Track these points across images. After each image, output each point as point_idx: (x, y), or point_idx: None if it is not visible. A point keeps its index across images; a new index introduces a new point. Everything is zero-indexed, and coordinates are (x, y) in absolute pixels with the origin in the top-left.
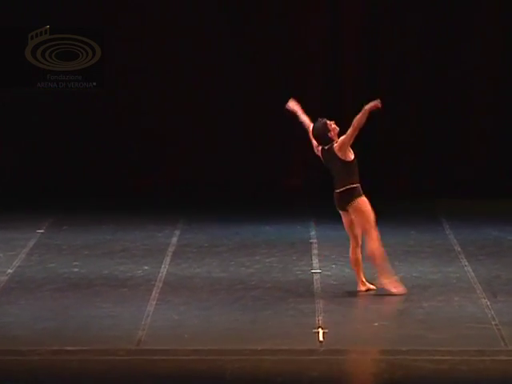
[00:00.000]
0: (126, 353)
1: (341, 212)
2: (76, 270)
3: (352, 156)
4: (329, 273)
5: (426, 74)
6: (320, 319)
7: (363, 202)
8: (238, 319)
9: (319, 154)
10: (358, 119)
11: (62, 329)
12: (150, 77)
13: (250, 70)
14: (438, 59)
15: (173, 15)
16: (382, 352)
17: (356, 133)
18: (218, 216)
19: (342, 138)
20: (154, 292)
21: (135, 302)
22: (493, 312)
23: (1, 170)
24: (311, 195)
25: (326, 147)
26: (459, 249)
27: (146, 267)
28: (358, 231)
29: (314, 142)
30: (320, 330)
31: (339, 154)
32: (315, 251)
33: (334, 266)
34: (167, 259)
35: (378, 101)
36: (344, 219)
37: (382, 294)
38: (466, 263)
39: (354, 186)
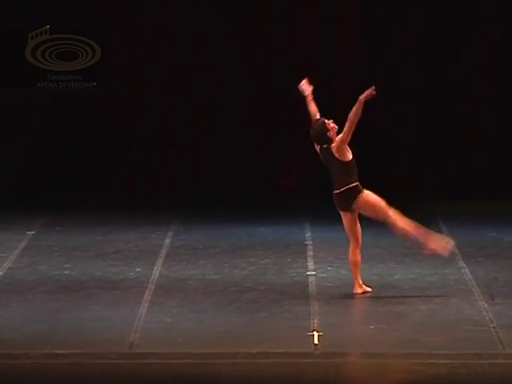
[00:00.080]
0: (118, 356)
1: (341, 212)
2: (67, 272)
3: (350, 156)
4: (324, 275)
5: (425, 73)
6: (315, 322)
7: (367, 195)
8: (232, 322)
9: (318, 151)
10: (354, 112)
11: (53, 332)
12: (150, 77)
13: (249, 70)
14: (437, 59)
15: (173, 15)
16: (378, 355)
17: (353, 127)
18: (212, 217)
19: (339, 136)
20: (146, 294)
21: (128, 304)
22: (491, 315)
23: (0, 170)
24: (306, 196)
25: (325, 146)
26: (457, 250)
27: (139, 269)
28: (359, 232)
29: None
30: (315, 332)
31: (337, 155)
32: (310, 253)
33: (329, 268)
34: (160, 261)
35: (373, 88)
36: (344, 220)
37: (379, 296)
38: (464, 265)
39: (354, 184)
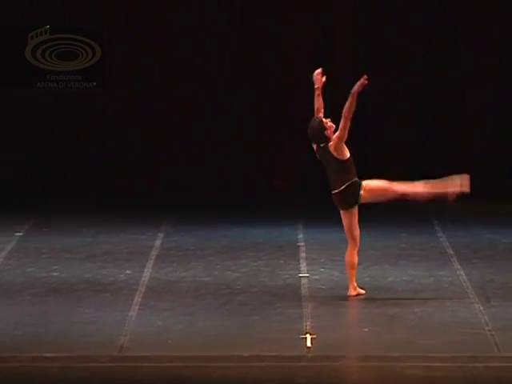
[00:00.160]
0: (108, 359)
1: (342, 212)
2: (56, 274)
3: (348, 154)
4: (317, 277)
5: (424, 73)
6: (308, 324)
7: (367, 184)
8: (223, 325)
9: (315, 150)
10: (348, 106)
11: (41, 335)
12: (149, 77)
13: (243, 70)
14: (438, 59)
15: (173, 15)
16: (372, 358)
17: (349, 123)
18: (203, 218)
19: (335, 134)
20: (136, 297)
21: (117, 307)
22: (486, 317)
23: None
24: (299, 197)
25: (322, 145)
26: (452, 252)
27: (129, 271)
28: (358, 233)
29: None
30: (308, 335)
31: (335, 154)
32: (303, 255)
33: (322, 269)
34: (151, 263)
35: (365, 77)
36: (344, 220)
37: (372, 298)
38: (459, 267)
39: (352, 181)
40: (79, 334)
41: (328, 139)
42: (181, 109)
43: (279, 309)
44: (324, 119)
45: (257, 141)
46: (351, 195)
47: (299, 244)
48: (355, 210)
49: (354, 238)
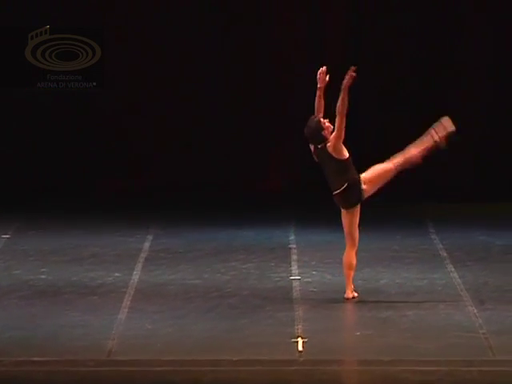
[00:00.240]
0: (95, 363)
1: (343, 212)
2: (43, 276)
3: (347, 154)
4: (309, 279)
5: (419, 75)
6: (299, 328)
7: (365, 177)
8: (213, 328)
9: (313, 151)
10: (340, 102)
11: (28, 338)
12: (150, 77)
13: (246, 70)
14: (435, 59)
15: (173, 15)
16: (364, 362)
17: (344, 118)
18: (193, 220)
19: (333, 134)
20: (125, 300)
21: (106, 310)
22: (480, 320)
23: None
24: (291, 198)
25: (320, 146)
26: (445, 254)
27: (117, 274)
28: (357, 234)
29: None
30: (299, 339)
31: (334, 154)
32: (295, 257)
33: (314, 272)
34: (139, 265)
35: (352, 69)
36: (345, 220)
37: (365, 301)
38: (453, 269)
39: (352, 179)
40: (67, 338)
41: (326, 139)
42: (181, 109)
43: (270, 312)
44: (322, 119)
45: (246, 140)
46: (353, 194)
47: (290, 246)
48: (358, 209)
49: (354, 239)
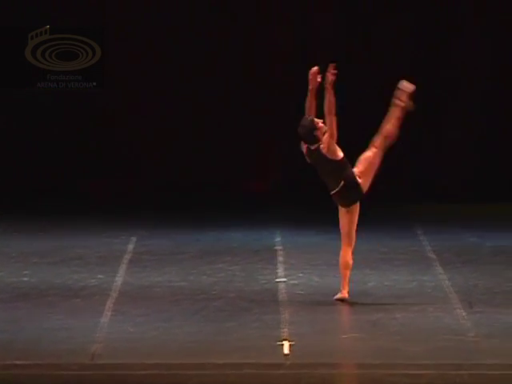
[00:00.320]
0: (79, 367)
1: (343, 210)
2: (26, 279)
3: (341, 154)
4: (295, 282)
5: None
6: (286, 331)
7: (358, 170)
8: (199, 331)
9: (305, 152)
10: (327, 103)
11: (11, 342)
12: (150, 77)
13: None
14: (433, 59)
15: (173, 15)
16: (352, 366)
17: (335, 118)
18: (177, 221)
19: (325, 136)
20: (109, 302)
21: (89, 313)
22: (469, 323)
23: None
24: (277, 199)
25: (313, 147)
26: (435, 256)
27: (101, 276)
28: (354, 234)
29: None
30: (286, 342)
31: (328, 155)
32: (281, 259)
33: (301, 274)
34: (123, 267)
35: (331, 66)
36: (344, 219)
37: (353, 304)
38: (442, 271)
39: (348, 176)
40: (50, 341)
41: (319, 140)
42: (181, 109)
43: (256, 315)
44: (316, 119)
45: (232, 141)
46: (351, 190)
47: (277, 248)
48: (357, 207)
49: (351, 239)
